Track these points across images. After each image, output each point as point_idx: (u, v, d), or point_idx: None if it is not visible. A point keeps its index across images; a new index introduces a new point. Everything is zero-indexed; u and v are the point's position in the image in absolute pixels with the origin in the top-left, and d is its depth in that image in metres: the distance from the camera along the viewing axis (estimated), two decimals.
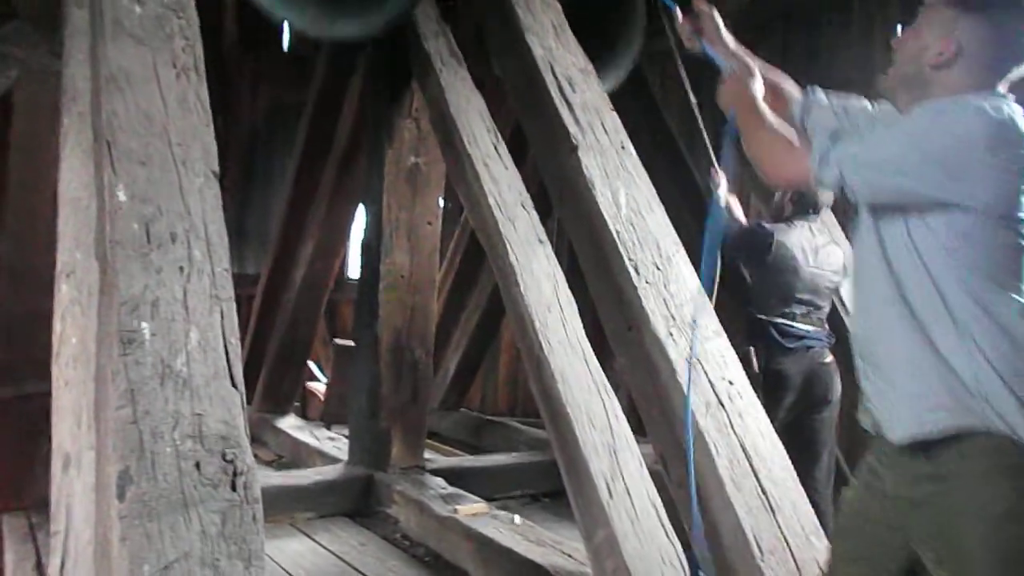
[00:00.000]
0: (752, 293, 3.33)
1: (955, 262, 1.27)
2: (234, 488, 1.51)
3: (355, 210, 4.88)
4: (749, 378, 2.68)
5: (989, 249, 1.27)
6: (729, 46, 1.80)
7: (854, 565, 1.45)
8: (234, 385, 1.61)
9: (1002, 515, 1.23)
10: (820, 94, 1.70)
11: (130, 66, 1.85)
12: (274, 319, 5.14)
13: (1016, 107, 1.32)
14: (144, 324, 1.57)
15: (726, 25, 1.83)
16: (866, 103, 1.61)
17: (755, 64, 1.75)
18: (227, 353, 1.63)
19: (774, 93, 1.71)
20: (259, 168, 6.99)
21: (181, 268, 1.67)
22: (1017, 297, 1.28)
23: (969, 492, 1.26)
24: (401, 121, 3.86)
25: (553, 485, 3.47)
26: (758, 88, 1.64)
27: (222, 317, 1.66)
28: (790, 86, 1.77)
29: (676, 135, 4.54)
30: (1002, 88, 1.35)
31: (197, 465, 1.50)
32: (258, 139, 7.03)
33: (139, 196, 1.71)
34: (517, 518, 3.25)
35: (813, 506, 2.25)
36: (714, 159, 3.60)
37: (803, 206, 3.25)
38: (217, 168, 1.85)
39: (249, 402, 5.22)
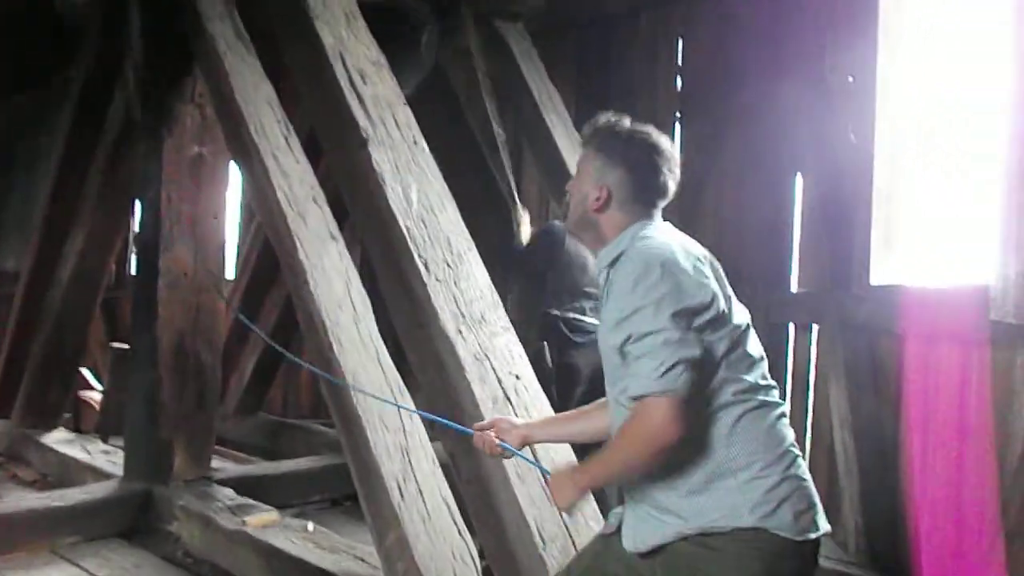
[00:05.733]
0: (547, 290, 3.44)
1: None
2: None
3: (132, 201, 4.48)
4: (543, 372, 2.76)
5: None
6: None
7: None
8: None
9: None
10: None
11: None
12: (38, 321, 4.59)
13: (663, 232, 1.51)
14: None
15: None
16: None
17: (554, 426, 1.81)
18: None
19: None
20: (21, 152, 6.20)
21: None
22: None
23: None
24: (182, 106, 3.57)
25: (354, 488, 3.38)
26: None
27: None
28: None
29: (478, 134, 4.59)
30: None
31: None
32: (21, 119, 6.23)
33: None
34: (310, 525, 3.12)
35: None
36: (516, 194, 3.69)
37: None
38: None
39: (8, 415, 4.69)
